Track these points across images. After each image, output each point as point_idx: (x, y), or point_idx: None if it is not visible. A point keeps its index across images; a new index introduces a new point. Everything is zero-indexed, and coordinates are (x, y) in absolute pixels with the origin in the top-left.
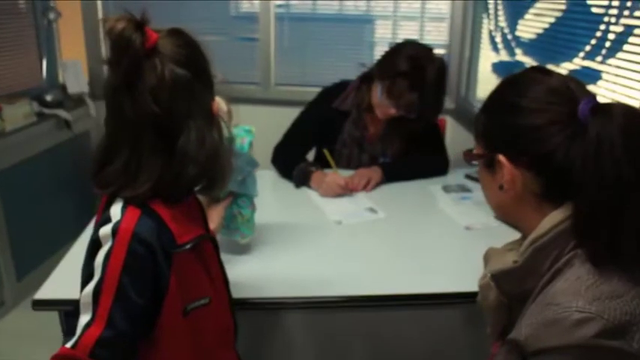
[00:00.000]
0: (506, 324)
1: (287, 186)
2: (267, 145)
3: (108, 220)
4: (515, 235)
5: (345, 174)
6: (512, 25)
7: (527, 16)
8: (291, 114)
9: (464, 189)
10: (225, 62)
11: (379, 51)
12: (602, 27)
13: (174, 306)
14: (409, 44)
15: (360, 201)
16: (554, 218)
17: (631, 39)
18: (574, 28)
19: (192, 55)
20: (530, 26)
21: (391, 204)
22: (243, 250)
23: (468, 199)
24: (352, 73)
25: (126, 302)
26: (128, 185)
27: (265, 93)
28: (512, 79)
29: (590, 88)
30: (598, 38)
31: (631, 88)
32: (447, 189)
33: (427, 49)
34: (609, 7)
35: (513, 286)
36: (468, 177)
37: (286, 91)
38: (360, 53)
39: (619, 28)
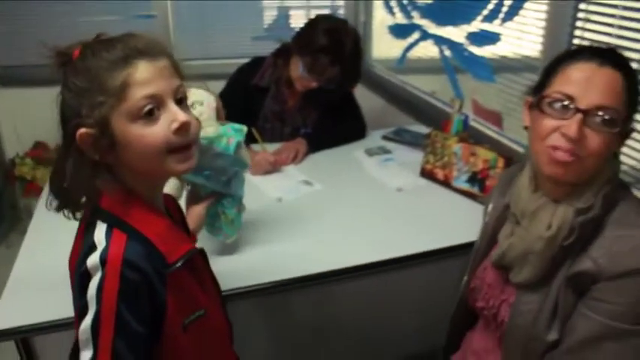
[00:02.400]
0: (544, 271)
1: None
2: None
3: (93, 247)
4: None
5: (271, 148)
6: None
7: None
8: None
9: (385, 150)
10: None
11: (268, 16)
12: None
13: (175, 324)
14: (323, 18)
15: (293, 175)
16: (617, 164)
17: (526, 4)
18: None
19: None
20: None
21: (323, 175)
22: None
23: (391, 160)
24: (248, 43)
25: (127, 331)
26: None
27: None
28: None
29: (490, 48)
30: (495, 3)
31: (527, 49)
32: (369, 152)
33: (341, 22)
34: None
35: (587, 230)
36: (385, 138)
37: (190, 66)
38: (254, 22)
39: None
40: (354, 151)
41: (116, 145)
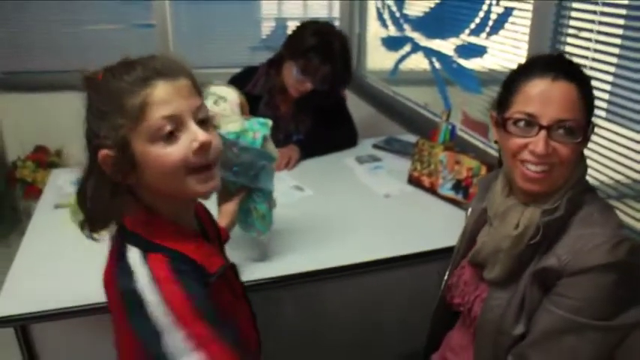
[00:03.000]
0: (513, 268)
1: None
2: None
3: (132, 275)
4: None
5: None
6: (399, 3)
7: None
8: None
9: (375, 159)
10: (123, 52)
11: (266, 27)
12: (485, 7)
13: None
14: (310, 22)
15: (286, 180)
16: (583, 168)
17: (511, 19)
18: (459, 8)
19: None
20: (417, 4)
21: (314, 180)
22: None
23: (380, 168)
24: (245, 52)
25: (207, 312)
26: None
27: None
28: None
29: (478, 60)
30: (482, 18)
31: (512, 61)
32: (360, 160)
33: (328, 25)
34: None
35: (552, 229)
36: (376, 146)
37: None
38: (252, 32)
39: (500, 9)
40: (345, 158)
41: (137, 167)
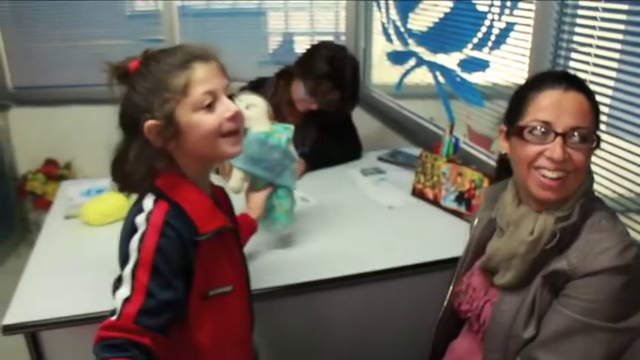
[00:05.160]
0: (526, 273)
1: (222, 184)
2: None
3: (141, 210)
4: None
5: None
6: (404, 18)
7: (417, 10)
8: None
9: (379, 171)
10: None
11: (273, 42)
12: (487, 22)
13: (199, 291)
14: (324, 46)
15: None
16: (591, 178)
17: (512, 34)
18: (462, 23)
19: None
20: (421, 20)
21: (319, 191)
22: None
23: (384, 180)
24: (253, 67)
25: (160, 278)
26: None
27: None
28: None
29: (480, 74)
30: (484, 32)
31: (514, 75)
32: (364, 172)
33: (341, 49)
34: (492, 5)
35: (567, 235)
36: (380, 159)
37: None
38: (259, 47)
39: (502, 24)
40: (350, 170)
41: (180, 133)
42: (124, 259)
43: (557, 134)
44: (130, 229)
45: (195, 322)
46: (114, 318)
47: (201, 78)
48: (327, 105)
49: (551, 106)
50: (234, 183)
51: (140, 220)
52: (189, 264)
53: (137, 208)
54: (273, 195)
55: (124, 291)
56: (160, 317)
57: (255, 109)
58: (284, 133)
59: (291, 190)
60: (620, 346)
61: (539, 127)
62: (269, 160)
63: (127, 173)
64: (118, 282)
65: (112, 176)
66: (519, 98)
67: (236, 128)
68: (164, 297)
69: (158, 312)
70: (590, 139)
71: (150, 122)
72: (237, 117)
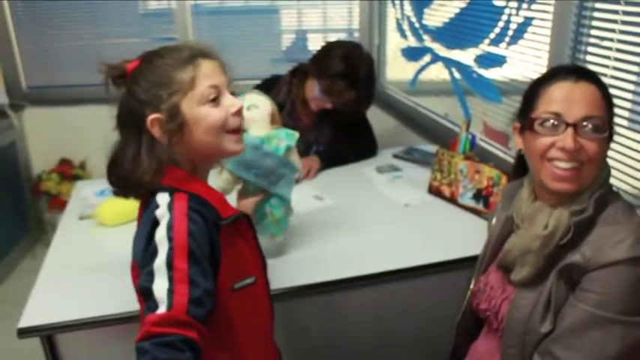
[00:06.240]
0: (541, 268)
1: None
2: None
3: (157, 205)
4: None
5: None
6: (419, 14)
7: (432, 6)
8: None
9: (394, 168)
10: None
11: (287, 39)
12: (505, 17)
13: (226, 283)
14: (339, 44)
15: (305, 190)
16: (607, 171)
17: (530, 28)
18: (479, 18)
19: None
20: (437, 15)
21: (334, 190)
22: None
23: (400, 177)
24: (266, 64)
25: (198, 266)
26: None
27: None
28: None
29: (497, 70)
30: (502, 27)
31: (532, 71)
32: (380, 170)
33: (356, 47)
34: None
35: (582, 228)
36: (396, 157)
37: None
38: (273, 45)
39: (520, 19)
40: (365, 168)
41: (184, 127)
42: (150, 254)
43: (568, 125)
44: (149, 224)
45: (222, 315)
46: (162, 311)
47: (207, 73)
48: (342, 105)
49: (561, 98)
50: (222, 183)
51: (161, 212)
52: (216, 252)
53: (153, 206)
54: (266, 202)
55: (161, 283)
56: (204, 308)
57: (256, 110)
58: (285, 140)
59: (286, 200)
60: (634, 340)
61: (550, 119)
62: (261, 167)
63: (132, 174)
64: (149, 277)
65: (108, 179)
66: (531, 93)
67: (238, 124)
68: (207, 285)
69: (203, 302)
70: (602, 129)
71: (153, 116)
72: (240, 112)
